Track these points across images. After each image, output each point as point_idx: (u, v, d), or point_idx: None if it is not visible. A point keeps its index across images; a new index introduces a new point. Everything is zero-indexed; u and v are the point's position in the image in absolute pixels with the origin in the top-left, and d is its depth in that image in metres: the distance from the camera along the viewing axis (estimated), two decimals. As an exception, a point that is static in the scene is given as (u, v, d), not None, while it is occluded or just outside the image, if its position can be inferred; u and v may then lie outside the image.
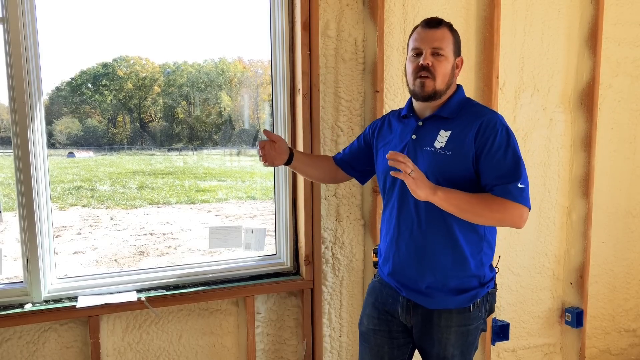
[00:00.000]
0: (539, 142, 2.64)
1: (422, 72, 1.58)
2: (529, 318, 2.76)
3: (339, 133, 2.29)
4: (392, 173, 1.44)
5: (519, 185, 1.50)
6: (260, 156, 1.77)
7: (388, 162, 1.47)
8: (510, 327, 2.65)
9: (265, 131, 1.79)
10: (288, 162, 1.82)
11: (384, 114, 2.29)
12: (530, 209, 1.54)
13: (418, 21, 2.32)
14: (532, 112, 2.61)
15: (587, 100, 2.64)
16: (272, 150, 1.77)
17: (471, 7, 2.44)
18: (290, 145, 1.88)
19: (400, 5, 2.31)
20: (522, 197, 1.50)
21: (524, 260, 2.70)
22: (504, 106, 2.54)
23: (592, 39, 2.60)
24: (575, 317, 2.71)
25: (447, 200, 1.49)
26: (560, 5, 2.59)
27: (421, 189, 1.45)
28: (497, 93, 2.43)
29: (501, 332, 2.60)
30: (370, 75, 2.26)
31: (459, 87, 1.69)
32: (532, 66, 2.59)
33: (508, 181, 1.50)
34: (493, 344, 2.60)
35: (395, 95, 2.35)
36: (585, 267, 2.70)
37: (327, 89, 2.25)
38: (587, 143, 2.66)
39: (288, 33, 2.21)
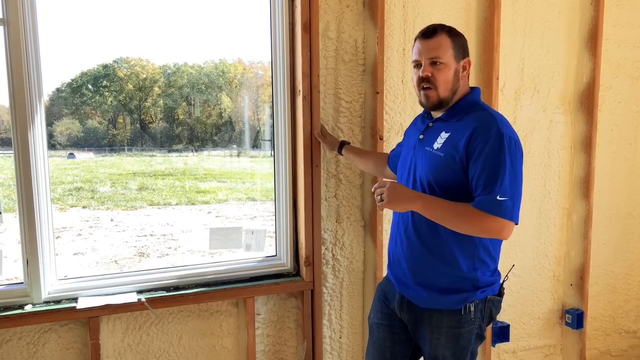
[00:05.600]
0: (539, 144, 2.64)
1: (423, 83, 1.60)
2: (529, 319, 2.76)
3: (339, 134, 2.29)
4: (379, 207, 1.57)
5: (498, 198, 1.44)
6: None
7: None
8: (511, 329, 2.65)
9: (316, 134, 2.17)
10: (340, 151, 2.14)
11: (384, 115, 2.30)
12: (516, 223, 1.48)
13: (418, 23, 2.34)
14: (532, 114, 2.61)
15: (587, 101, 2.64)
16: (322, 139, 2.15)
17: (471, 8, 2.44)
18: (344, 140, 2.20)
19: (401, 6, 2.31)
20: (500, 211, 1.44)
21: (524, 262, 2.70)
22: (504, 107, 2.54)
23: (592, 40, 2.61)
24: (575, 319, 2.71)
25: (426, 209, 1.52)
26: (560, 7, 2.59)
27: (398, 204, 1.52)
28: (497, 94, 2.43)
29: (501, 333, 2.60)
30: (371, 77, 2.26)
31: (473, 89, 1.67)
32: (532, 67, 2.59)
33: (487, 192, 1.46)
34: (493, 345, 2.60)
35: (396, 96, 2.35)
36: (585, 269, 2.70)
37: (327, 90, 2.25)
38: (587, 144, 2.66)
39: (288, 34, 2.21)
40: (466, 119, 1.59)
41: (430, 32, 1.59)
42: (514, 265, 2.60)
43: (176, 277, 2.18)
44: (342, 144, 2.14)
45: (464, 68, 1.63)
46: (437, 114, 1.69)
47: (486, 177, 1.47)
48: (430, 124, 1.69)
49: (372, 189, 1.60)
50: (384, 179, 1.59)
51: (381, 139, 2.24)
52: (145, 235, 7.17)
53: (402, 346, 1.77)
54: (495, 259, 1.66)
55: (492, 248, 1.64)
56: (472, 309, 1.63)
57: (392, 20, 2.30)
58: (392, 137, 2.35)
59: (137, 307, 2.02)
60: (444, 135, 1.61)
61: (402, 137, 2.01)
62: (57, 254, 2.07)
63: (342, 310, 2.39)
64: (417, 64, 1.62)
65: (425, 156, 1.63)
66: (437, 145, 1.61)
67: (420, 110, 1.90)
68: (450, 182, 1.55)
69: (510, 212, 1.46)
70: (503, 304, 2.66)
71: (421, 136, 1.69)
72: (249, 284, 2.22)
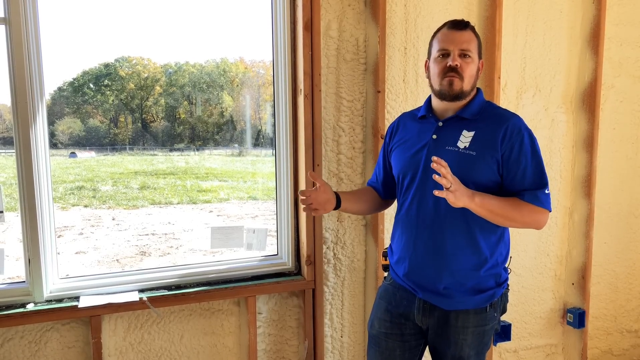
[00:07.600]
0: (541, 143, 2.62)
1: (450, 72, 1.59)
2: (531, 318, 2.76)
3: (341, 133, 2.29)
4: (435, 192, 1.42)
5: (546, 192, 1.56)
6: (306, 206, 1.66)
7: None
8: (512, 328, 2.65)
9: (311, 173, 1.67)
10: (337, 207, 1.73)
11: (385, 114, 2.30)
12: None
13: (420, 22, 2.33)
14: (534, 113, 2.61)
15: (589, 100, 2.64)
16: (318, 196, 1.67)
17: (473, 7, 2.44)
18: (333, 190, 1.75)
19: (402, 5, 2.31)
20: (547, 203, 1.57)
21: (525, 261, 2.70)
22: (506, 106, 2.53)
23: (594, 39, 2.60)
24: (577, 318, 2.71)
25: (483, 206, 1.51)
26: (562, 6, 2.59)
27: (460, 200, 1.46)
28: (499, 93, 2.43)
29: (503, 332, 2.59)
30: (372, 76, 2.26)
31: (478, 90, 1.70)
32: (534, 66, 2.58)
33: (536, 187, 1.55)
34: (495, 344, 2.60)
35: (397, 95, 2.35)
36: (587, 268, 2.70)
37: (328, 89, 2.25)
38: (589, 143, 2.65)
39: (290, 33, 2.21)
40: (488, 118, 1.61)
41: (462, 25, 1.60)
42: (511, 257, 2.60)
43: (178, 276, 2.18)
44: (337, 194, 1.76)
45: (479, 68, 1.66)
46: (445, 114, 1.66)
47: (531, 172, 1.56)
48: (441, 124, 1.66)
49: (433, 158, 1.41)
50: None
51: (382, 138, 2.24)
52: (147, 234, 7.18)
53: (411, 352, 1.75)
54: (509, 251, 1.71)
55: (507, 241, 1.70)
56: (495, 305, 1.66)
57: (393, 19, 2.30)
58: (393, 136, 2.35)
59: (139, 306, 2.03)
60: (467, 134, 1.60)
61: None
62: (58, 253, 2.08)
63: (344, 309, 2.40)
64: (445, 54, 1.60)
65: (450, 156, 1.58)
66: (462, 144, 1.59)
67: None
68: (485, 180, 1.56)
69: (550, 203, 1.59)
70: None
71: (434, 136, 1.65)
72: (250, 283, 2.22)
